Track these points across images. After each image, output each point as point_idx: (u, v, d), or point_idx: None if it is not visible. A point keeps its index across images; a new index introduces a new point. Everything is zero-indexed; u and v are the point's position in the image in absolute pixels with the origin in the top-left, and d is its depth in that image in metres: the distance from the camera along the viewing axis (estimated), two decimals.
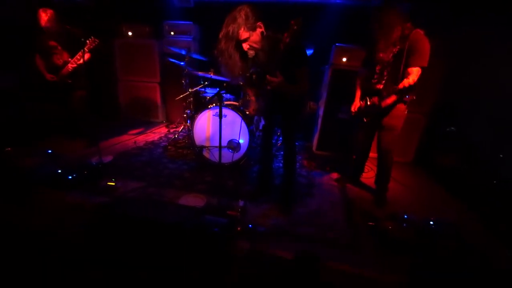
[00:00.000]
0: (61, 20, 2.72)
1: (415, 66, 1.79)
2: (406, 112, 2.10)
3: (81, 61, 2.57)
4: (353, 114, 2.28)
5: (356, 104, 2.26)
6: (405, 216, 2.02)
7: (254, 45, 1.70)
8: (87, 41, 2.63)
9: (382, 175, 2.35)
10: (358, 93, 2.29)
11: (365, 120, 2.22)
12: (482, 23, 2.64)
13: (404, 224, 1.92)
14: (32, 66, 2.85)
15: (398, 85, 1.80)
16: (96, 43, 2.68)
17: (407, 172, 3.08)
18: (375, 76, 2.06)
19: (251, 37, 1.66)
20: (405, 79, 1.78)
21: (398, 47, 1.87)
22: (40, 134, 3.24)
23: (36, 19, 2.61)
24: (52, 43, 2.77)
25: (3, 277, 1.37)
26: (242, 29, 1.61)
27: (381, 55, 1.93)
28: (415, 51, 1.79)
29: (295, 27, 1.54)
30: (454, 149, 2.98)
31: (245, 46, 1.69)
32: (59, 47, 2.80)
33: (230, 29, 1.60)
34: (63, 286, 1.33)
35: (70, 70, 2.78)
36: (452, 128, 3.10)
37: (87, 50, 2.67)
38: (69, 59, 2.78)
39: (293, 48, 1.68)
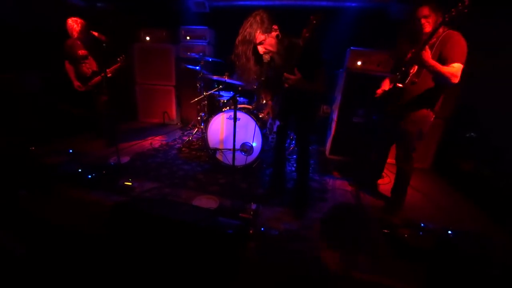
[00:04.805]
0: (91, 29, 2.84)
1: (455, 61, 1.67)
2: (429, 120, 1.91)
3: (109, 74, 2.78)
4: (377, 96, 2.09)
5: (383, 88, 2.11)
6: (422, 224, 1.96)
7: (270, 48, 1.72)
8: (118, 59, 2.85)
9: (397, 186, 2.18)
10: (386, 83, 2.17)
11: (389, 108, 2.03)
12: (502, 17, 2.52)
13: (421, 232, 1.87)
14: (60, 70, 2.98)
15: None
16: (124, 58, 2.90)
17: (425, 179, 2.99)
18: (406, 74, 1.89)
19: (266, 39, 1.68)
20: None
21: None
22: (64, 133, 3.43)
23: (66, 27, 2.71)
24: (82, 52, 2.87)
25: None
26: (258, 31, 1.63)
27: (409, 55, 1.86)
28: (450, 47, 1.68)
29: (314, 22, 1.54)
30: (475, 155, 2.86)
31: (261, 49, 1.71)
32: (89, 57, 2.93)
33: (247, 33, 1.63)
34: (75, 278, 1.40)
35: (98, 81, 2.92)
36: (472, 134, 2.97)
37: (117, 66, 2.88)
38: (97, 69, 2.94)
39: (312, 49, 1.69)
